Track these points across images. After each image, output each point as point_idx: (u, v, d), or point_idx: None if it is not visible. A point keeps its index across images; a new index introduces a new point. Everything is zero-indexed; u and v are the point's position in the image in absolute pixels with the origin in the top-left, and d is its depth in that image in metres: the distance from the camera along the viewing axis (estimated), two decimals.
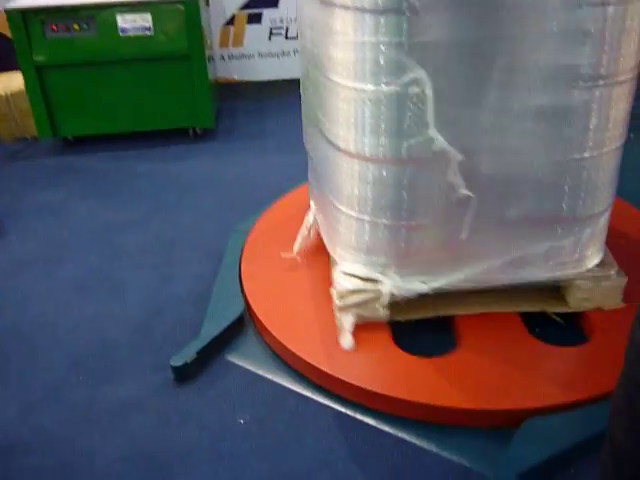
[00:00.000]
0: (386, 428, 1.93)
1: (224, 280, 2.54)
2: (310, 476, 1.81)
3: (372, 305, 2.12)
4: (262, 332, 2.31)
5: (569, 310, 2.18)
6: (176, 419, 2.01)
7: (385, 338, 2.13)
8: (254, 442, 1.91)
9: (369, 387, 1.98)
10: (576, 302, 2.17)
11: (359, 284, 2.12)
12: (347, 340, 2.08)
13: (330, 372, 2.03)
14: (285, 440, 1.92)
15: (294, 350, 2.14)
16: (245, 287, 2.47)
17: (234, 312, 2.34)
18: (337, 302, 2.13)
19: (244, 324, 2.38)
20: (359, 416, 1.98)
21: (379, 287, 2.09)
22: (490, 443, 1.86)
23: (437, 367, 2.01)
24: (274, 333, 2.22)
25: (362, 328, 2.13)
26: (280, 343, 2.19)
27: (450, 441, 1.88)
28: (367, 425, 1.95)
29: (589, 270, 2.13)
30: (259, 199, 3.21)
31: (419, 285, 2.07)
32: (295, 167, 3.03)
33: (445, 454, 1.84)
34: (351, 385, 2.00)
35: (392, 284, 2.08)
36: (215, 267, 2.69)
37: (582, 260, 2.12)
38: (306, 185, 2.77)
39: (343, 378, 2.01)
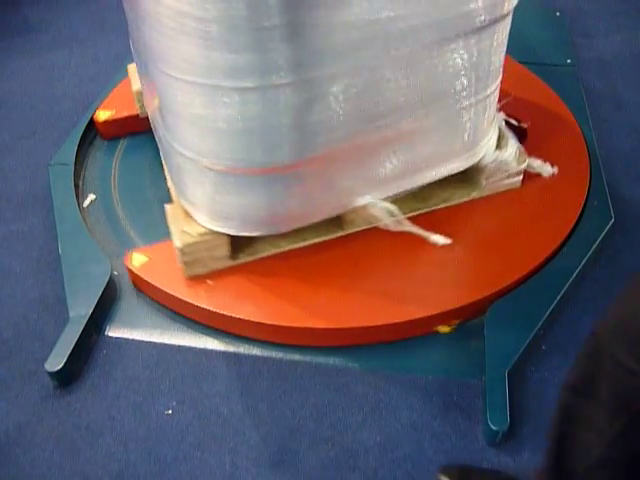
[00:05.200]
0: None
1: (68, 234, 1.96)
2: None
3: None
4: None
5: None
6: (82, 439, 1.55)
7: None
8: (199, 436, 1.54)
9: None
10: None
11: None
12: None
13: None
14: (237, 416, 1.57)
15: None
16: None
17: (102, 276, 1.82)
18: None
19: (116, 287, 1.88)
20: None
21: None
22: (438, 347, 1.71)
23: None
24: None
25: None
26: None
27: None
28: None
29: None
30: (63, 114, 2.52)
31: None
32: (91, 64, 2.36)
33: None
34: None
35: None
36: (44, 219, 2.08)
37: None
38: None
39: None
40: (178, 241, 1.71)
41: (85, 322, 1.70)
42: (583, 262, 1.79)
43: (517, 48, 2.67)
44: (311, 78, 1.43)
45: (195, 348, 1.73)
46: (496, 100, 1.88)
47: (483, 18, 1.56)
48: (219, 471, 1.48)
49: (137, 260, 1.83)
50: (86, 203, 2.10)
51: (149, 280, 1.80)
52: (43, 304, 1.85)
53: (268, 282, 1.77)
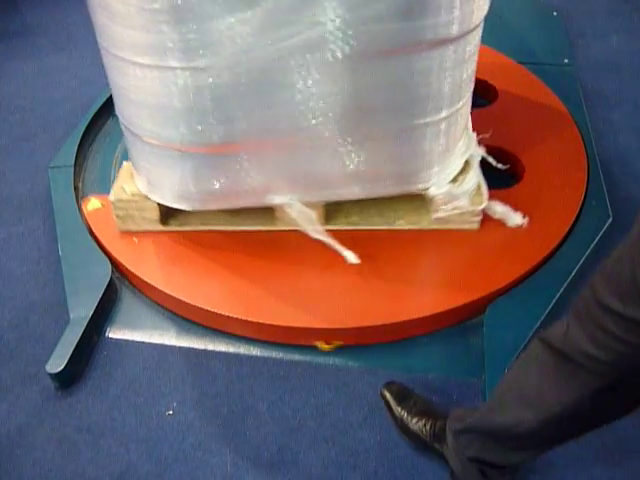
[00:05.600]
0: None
1: (69, 237, 1.97)
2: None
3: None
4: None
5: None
6: (84, 440, 1.55)
7: None
8: (199, 436, 1.55)
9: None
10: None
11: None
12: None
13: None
14: (237, 416, 1.58)
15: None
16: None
17: (102, 277, 1.83)
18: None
19: (116, 289, 1.88)
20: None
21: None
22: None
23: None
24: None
25: None
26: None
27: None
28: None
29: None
30: (62, 117, 2.53)
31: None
32: (90, 66, 2.37)
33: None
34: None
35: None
36: (44, 222, 2.09)
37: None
38: None
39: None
40: (113, 195, 1.86)
41: (86, 324, 1.71)
42: (582, 261, 1.79)
43: (515, 48, 2.70)
44: (202, 66, 1.46)
45: (195, 349, 1.73)
46: (452, 131, 1.73)
47: (424, 38, 1.47)
48: (220, 471, 1.48)
49: (92, 205, 2.00)
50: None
51: (91, 225, 1.96)
52: (44, 306, 1.85)
53: (190, 253, 1.85)
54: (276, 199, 1.75)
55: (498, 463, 1.28)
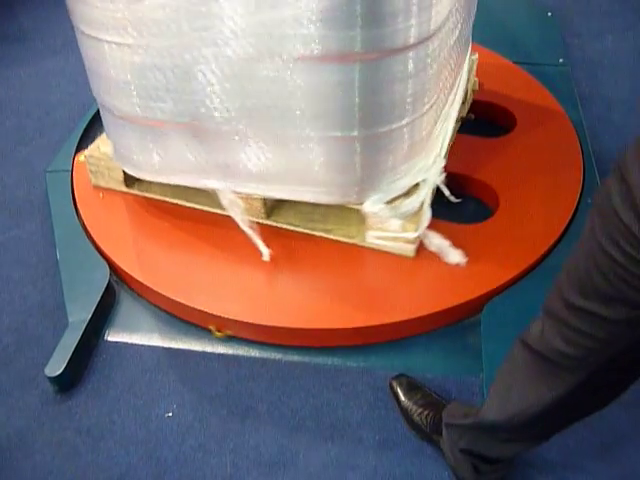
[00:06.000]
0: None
1: (67, 241, 1.97)
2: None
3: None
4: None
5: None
6: (83, 443, 1.56)
7: None
8: (199, 438, 1.55)
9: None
10: None
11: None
12: None
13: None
14: (236, 417, 1.58)
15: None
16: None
17: (100, 280, 1.83)
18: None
19: (114, 292, 1.88)
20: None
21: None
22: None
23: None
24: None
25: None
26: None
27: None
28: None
29: None
30: (59, 121, 2.53)
31: None
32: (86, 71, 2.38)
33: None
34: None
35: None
36: (42, 226, 2.09)
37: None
38: None
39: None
40: (88, 151, 2.04)
41: (84, 327, 1.72)
42: None
43: (510, 48, 2.71)
44: (127, 43, 1.55)
45: (194, 351, 1.74)
46: (393, 149, 1.65)
47: (331, 49, 1.42)
48: (220, 472, 1.49)
49: (81, 157, 2.14)
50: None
51: (74, 175, 2.14)
52: (42, 310, 1.86)
53: (144, 218, 1.98)
54: (209, 184, 1.80)
55: (490, 455, 1.30)
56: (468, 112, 2.23)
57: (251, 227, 1.79)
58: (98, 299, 1.78)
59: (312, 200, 1.74)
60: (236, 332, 1.74)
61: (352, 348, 1.71)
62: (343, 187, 1.70)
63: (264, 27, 1.41)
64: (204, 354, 1.73)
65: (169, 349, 1.75)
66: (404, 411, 1.52)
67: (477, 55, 2.25)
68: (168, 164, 1.79)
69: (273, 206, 1.89)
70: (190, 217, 1.95)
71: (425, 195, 1.75)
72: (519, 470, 1.44)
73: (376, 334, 1.70)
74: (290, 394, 1.63)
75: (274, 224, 1.88)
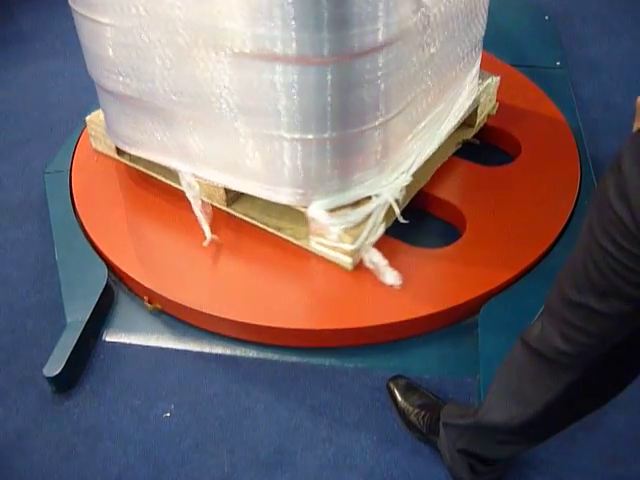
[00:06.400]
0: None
1: (65, 241, 1.97)
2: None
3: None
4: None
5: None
6: (81, 443, 1.56)
7: None
8: (197, 438, 1.55)
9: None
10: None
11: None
12: None
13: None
14: (234, 417, 1.58)
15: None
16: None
17: (98, 281, 1.83)
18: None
19: (112, 292, 1.89)
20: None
21: None
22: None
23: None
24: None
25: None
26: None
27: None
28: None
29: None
30: (58, 122, 2.54)
31: None
32: (85, 71, 2.38)
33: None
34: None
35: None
36: (40, 227, 2.09)
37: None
38: None
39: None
40: (89, 116, 2.17)
41: (82, 327, 1.72)
42: None
43: (507, 51, 2.72)
44: (106, 22, 1.65)
45: (192, 351, 1.74)
46: (339, 155, 1.63)
47: (272, 49, 1.43)
48: (217, 472, 1.49)
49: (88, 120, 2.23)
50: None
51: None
52: (40, 310, 1.86)
53: (128, 185, 2.10)
54: (172, 164, 1.89)
55: (487, 456, 1.30)
56: (474, 136, 2.19)
57: (206, 212, 1.87)
58: (96, 300, 1.79)
59: (261, 196, 1.77)
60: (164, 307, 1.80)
61: (350, 349, 1.71)
62: (287, 188, 1.70)
63: (204, 19, 1.47)
64: (202, 354, 1.73)
65: (167, 349, 1.75)
66: (401, 412, 1.53)
67: (498, 78, 2.21)
68: (141, 140, 1.90)
69: (236, 196, 1.92)
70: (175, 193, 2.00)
71: (374, 209, 1.71)
72: (516, 470, 1.45)
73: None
74: (287, 394, 1.63)
75: (233, 213, 1.92)
